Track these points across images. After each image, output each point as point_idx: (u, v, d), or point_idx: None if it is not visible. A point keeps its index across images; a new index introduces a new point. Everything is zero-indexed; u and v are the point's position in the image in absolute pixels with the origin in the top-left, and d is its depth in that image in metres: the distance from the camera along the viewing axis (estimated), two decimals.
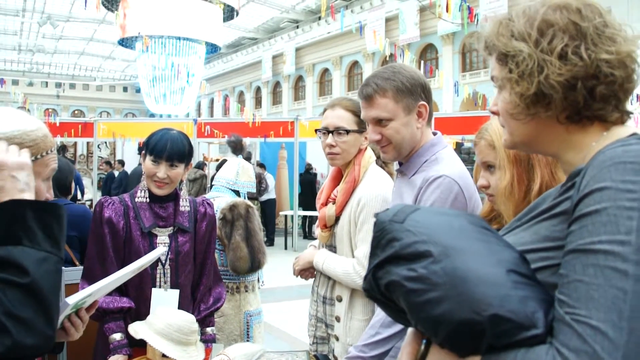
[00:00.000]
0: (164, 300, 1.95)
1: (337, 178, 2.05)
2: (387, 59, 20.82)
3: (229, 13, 23.27)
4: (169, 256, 1.99)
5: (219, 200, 2.90)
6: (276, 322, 5.39)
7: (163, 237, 1.99)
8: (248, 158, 3.38)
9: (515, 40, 0.82)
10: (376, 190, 1.90)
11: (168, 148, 1.92)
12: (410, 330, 0.83)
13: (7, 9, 29.83)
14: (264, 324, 3.09)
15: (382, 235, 0.79)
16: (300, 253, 2.14)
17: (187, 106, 23.63)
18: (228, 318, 2.84)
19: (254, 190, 3.26)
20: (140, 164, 2.14)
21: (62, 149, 14.70)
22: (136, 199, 1.98)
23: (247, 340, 2.85)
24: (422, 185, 1.60)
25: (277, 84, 36.43)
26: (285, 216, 11.45)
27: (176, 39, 21.19)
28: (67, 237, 2.64)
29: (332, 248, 2.01)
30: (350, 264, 1.87)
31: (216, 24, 22.37)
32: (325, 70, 32.18)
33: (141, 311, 1.93)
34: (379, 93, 1.62)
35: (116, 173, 12.46)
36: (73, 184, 3.02)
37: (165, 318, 1.81)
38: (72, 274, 2.25)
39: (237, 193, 3.05)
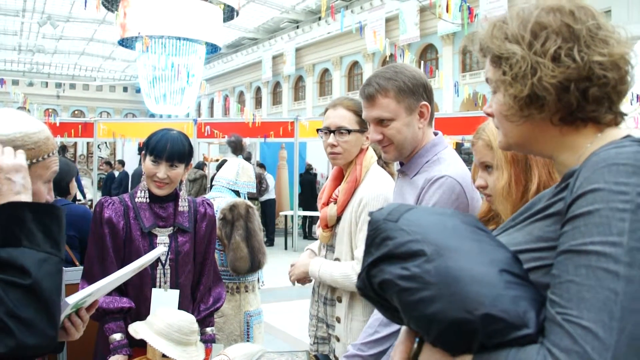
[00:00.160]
0: (164, 300, 1.95)
1: (339, 178, 2.04)
2: (387, 59, 20.84)
3: (229, 13, 23.28)
4: (168, 256, 1.99)
5: (219, 200, 2.91)
6: (276, 322, 5.38)
7: (163, 237, 1.99)
8: (248, 158, 3.39)
9: (508, 43, 0.82)
10: (378, 190, 1.89)
11: (168, 148, 1.93)
12: (403, 328, 0.84)
13: (7, 9, 29.82)
14: (264, 324, 3.10)
15: (376, 234, 0.79)
16: (295, 260, 2.12)
17: (187, 106, 23.65)
18: (228, 318, 2.84)
19: (254, 191, 3.27)
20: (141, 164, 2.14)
21: (62, 149, 14.67)
22: (136, 199, 1.98)
23: (247, 341, 2.86)
24: (424, 186, 1.59)
25: (277, 84, 36.40)
26: (285, 216, 11.44)
27: (176, 39, 21.20)
28: (67, 237, 2.65)
29: (332, 248, 2.00)
30: (349, 265, 1.86)
31: (216, 24, 22.37)
32: (325, 71, 32.15)
33: (141, 311, 1.94)
34: (380, 93, 1.61)
35: (116, 173, 12.46)
36: (75, 185, 3.02)
37: (165, 318, 1.81)
38: (72, 274, 2.25)
39: (237, 193, 3.05)
